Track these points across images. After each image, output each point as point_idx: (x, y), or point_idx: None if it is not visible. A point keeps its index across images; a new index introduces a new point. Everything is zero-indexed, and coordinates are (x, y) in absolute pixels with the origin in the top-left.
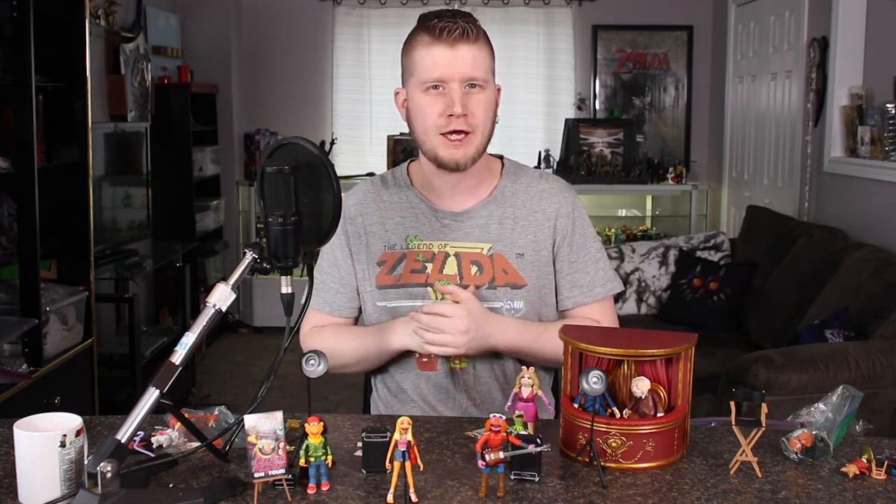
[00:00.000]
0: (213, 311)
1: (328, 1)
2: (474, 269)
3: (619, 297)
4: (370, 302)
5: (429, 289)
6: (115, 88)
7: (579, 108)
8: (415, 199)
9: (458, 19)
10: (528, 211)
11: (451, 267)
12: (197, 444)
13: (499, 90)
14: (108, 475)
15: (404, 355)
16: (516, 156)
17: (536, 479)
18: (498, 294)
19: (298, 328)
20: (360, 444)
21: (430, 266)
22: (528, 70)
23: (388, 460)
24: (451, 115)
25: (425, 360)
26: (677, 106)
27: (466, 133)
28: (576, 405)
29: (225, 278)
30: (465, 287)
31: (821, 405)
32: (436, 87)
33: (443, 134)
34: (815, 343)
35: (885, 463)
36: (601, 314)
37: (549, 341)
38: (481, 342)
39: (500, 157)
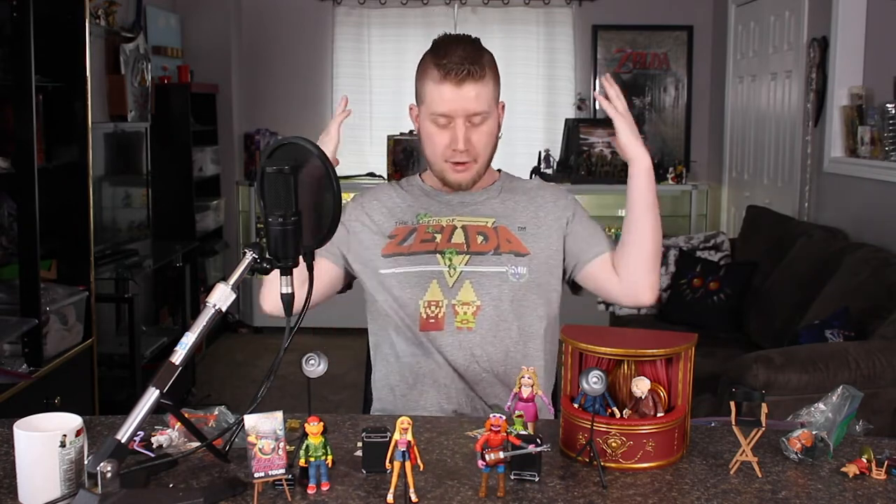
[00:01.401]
0: (213, 311)
1: (328, 1)
2: (480, 238)
3: None
4: (373, 270)
5: (437, 255)
6: (115, 88)
7: (579, 108)
8: (427, 188)
9: (465, 61)
10: (528, 198)
11: (458, 237)
12: (197, 444)
13: (502, 107)
14: (108, 475)
15: (409, 326)
16: (516, 156)
17: (536, 479)
18: (503, 259)
19: (299, 328)
20: (360, 444)
21: (439, 236)
22: (528, 70)
23: (388, 460)
24: (455, 150)
25: (431, 320)
26: (677, 106)
27: (468, 161)
28: (576, 405)
29: (225, 278)
30: (479, 253)
31: (821, 405)
32: (443, 118)
33: (448, 161)
34: (815, 343)
35: (885, 463)
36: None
37: (655, 211)
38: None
39: (498, 171)
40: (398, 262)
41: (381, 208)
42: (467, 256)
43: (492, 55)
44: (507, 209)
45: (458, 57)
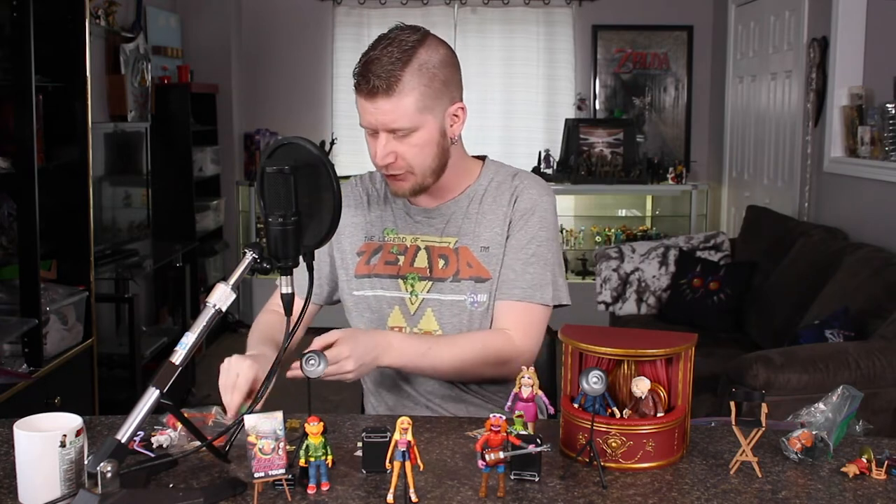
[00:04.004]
0: (213, 311)
1: (328, 1)
2: (441, 262)
3: (618, 298)
4: (348, 292)
5: (399, 280)
6: (115, 88)
7: (579, 108)
8: (392, 196)
9: (375, 75)
10: (496, 206)
11: (421, 260)
12: (197, 443)
13: (459, 109)
14: (108, 475)
15: None
16: (516, 156)
17: (536, 479)
18: (462, 287)
19: (298, 327)
20: (360, 444)
21: (402, 258)
22: (528, 70)
23: (388, 460)
24: (378, 164)
25: None
26: (677, 106)
27: (400, 174)
28: (576, 405)
29: (225, 278)
30: (440, 280)
31: (821, 405)
32: (370, 129)
33: (383, 172)
34: (815, 343)
35: (885, 463)
36: (513, 318)
37: (436, 355)
38: (371, 364)
39: (484, 158)
40: (364, 284)
41: (350, 217)
42: (429, 283)
43: (430, 59)
44: (471, 225)
45: (371, 69)
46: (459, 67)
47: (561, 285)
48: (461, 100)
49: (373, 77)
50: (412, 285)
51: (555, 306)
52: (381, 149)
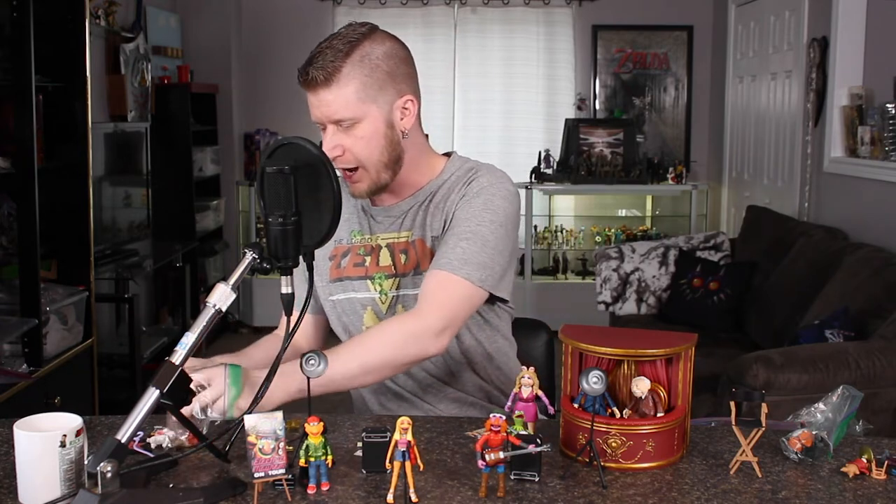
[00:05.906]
0: (213, 311)
1: (328, 1)
2: (403, 257)
3: (618, 298)
4: (324, 298)
5: (367, 281)
6: (115, 88)
7: (579, 108)
8: (357, 199)
9: (315, 66)
10: (450, 196)
11: (385, 258)
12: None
13: (411, 101)
14: (108, 475)
15: None
16: (516, 156)
17: (536, 479)
18: (423, 279)
19: (298, 328)
20: (360, 444)
21: (368, 259)
22: (528, 70)
23: (388, 460)
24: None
25: None
26: (677, 106)
27: (352, 170)
28: (576, 405)
29: (225, 278)
30: (404, 275)
31: (821, 405)
32: (320, 125)
33: (339, 170)
34: (815, 343)
35: (885, 463)
36: (430, 286)
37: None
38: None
39: (449, 154)
40: (336, 289)
41: None
42: (396, 280)
43: (374, 50)
44: (425, 216)
45: (313, 62)
46: (411, 62)
47: (498, 273)
48: (413, 94)
49: (312, 69)
50: (380, 284)
51: (495, 300)
52: (327, 141)
